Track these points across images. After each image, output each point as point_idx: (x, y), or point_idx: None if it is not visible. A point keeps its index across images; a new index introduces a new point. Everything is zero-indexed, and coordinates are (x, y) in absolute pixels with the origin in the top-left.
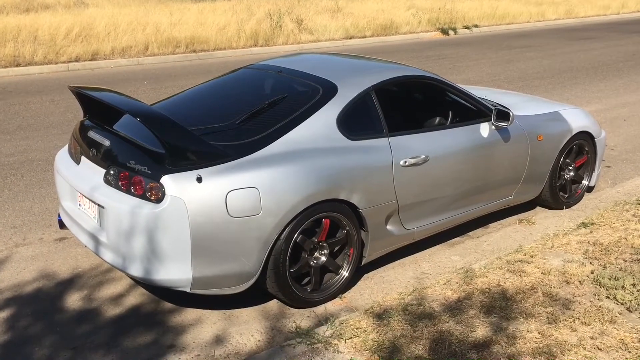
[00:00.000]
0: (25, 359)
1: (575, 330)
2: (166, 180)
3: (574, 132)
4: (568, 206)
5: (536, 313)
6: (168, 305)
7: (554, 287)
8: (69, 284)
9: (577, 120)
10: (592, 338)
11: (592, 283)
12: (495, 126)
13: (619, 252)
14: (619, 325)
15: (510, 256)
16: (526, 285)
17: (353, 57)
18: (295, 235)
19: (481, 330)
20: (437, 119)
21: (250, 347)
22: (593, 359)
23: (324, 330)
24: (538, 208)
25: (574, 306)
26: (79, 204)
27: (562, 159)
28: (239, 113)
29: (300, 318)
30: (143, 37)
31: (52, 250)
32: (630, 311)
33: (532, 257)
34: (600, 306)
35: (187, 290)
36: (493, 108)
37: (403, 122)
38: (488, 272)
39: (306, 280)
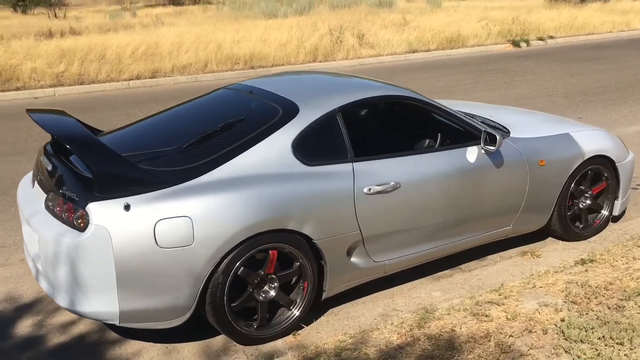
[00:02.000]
0: None
1: None
2: (92, 207)
3: (586, 157)
4: (584, 238)
5: None
6: (113, 335)
7: (512, 336)
8: (27, 308)
9: (591, 143)
10: None
11: (557, 333)
12: (485, 150)
13: (607, 296)
14: None
15: (484, 296)
16: (481, 332)
17: (339, 76)
18: (235, 268)
19: None
20: (418, 143)
21: None
22: None
23: None
24: (549, 239)
25: None
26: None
27: (572, 185)
28: (190, 136)
29: (242, 356)
30: (204, 54)
31: (27, 272)
32: None
33: (506, 297)
34: None
35: (116, 323)
36: (482, 130)
37: (374, 145)
38: (448, 313)
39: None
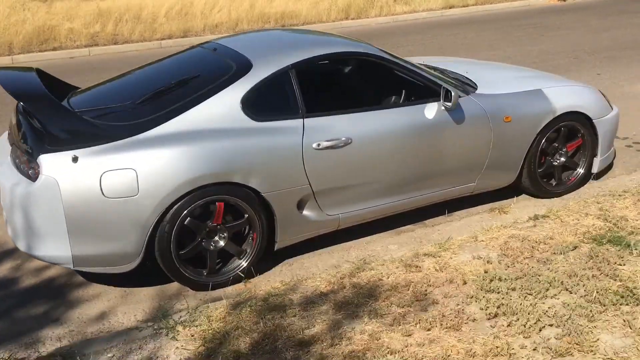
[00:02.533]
0: None
1: (409, 335)
2: (42, 159)
3: (558, 113)
4: (557, 195)
5: (386, 313)
6: (79, 279)
7: (432, 286)
8: (11, 253)
9: (564, 99)
10: (419, 345)
11: (474, 284)
12: (444, 107)
13: (541, 250)
14: (461, 334)
15: (425, 249)
16: (405, 282)
17: (305, 33)
18: (181, 218)
19: (317, 328)
20: (375, 100)
21: (125, 326)
22: None
23: (180, 316)
24: (523, 196)
25: (433, 309)
26: None
27: (543, 142)
28: (145, 93)
29: (186, 301)
30: (236, 13)
31: None
32: (488, 319)
33: (445, 250)
34: (459, 311)
35: (71, 267)
36: (442, 87)
37: (328, 102)
38: (382, 264)
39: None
